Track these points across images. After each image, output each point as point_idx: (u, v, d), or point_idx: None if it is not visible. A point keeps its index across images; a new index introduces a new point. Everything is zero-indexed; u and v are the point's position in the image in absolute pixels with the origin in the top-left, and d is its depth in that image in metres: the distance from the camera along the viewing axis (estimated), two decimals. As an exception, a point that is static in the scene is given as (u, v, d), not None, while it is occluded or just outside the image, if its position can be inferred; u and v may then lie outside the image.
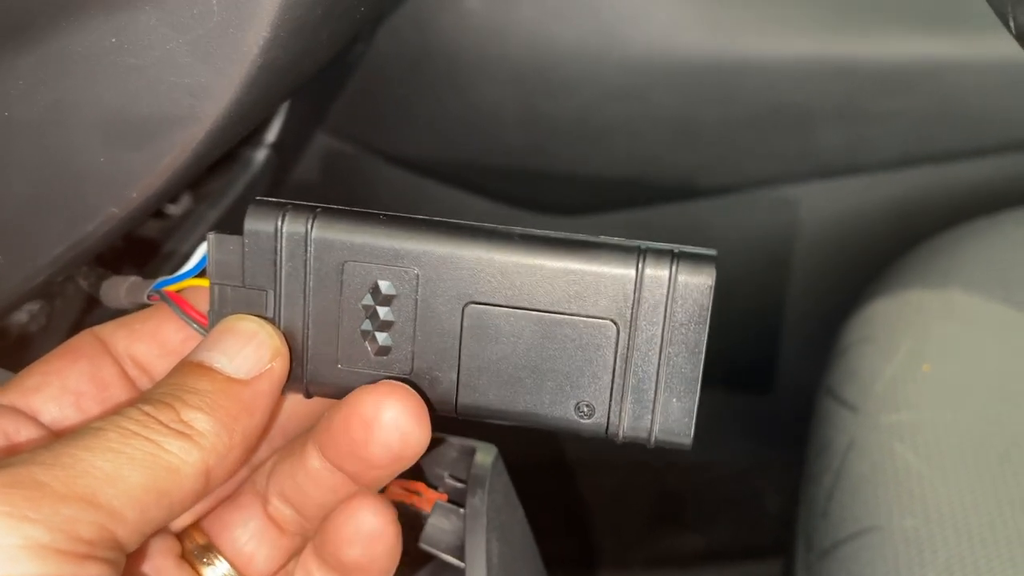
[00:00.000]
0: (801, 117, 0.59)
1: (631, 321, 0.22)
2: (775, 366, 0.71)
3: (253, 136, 0.49)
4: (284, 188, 0.59)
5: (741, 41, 0.57)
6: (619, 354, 0.23)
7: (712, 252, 0.23)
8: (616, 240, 0.23)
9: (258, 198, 0.23)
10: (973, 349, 0.52)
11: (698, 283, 0.22)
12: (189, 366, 0.23)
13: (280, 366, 0.23)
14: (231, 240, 0.23)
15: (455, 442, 0.31)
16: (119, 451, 0.20)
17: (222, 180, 0.47)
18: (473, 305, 0.23)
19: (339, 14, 0.24)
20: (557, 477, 0.78)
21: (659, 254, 0.22)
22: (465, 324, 0.23)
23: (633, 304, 0.22)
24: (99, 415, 0.23)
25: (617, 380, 0.23)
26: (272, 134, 0.50)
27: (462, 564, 0.28)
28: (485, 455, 0.30)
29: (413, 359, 0.23)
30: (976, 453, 0.46)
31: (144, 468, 0.20)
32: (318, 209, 0.23)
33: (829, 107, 0.59)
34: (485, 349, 0.23)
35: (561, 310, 0.23)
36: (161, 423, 0.21)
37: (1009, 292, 0.54)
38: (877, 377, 0.52)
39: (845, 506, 0.47)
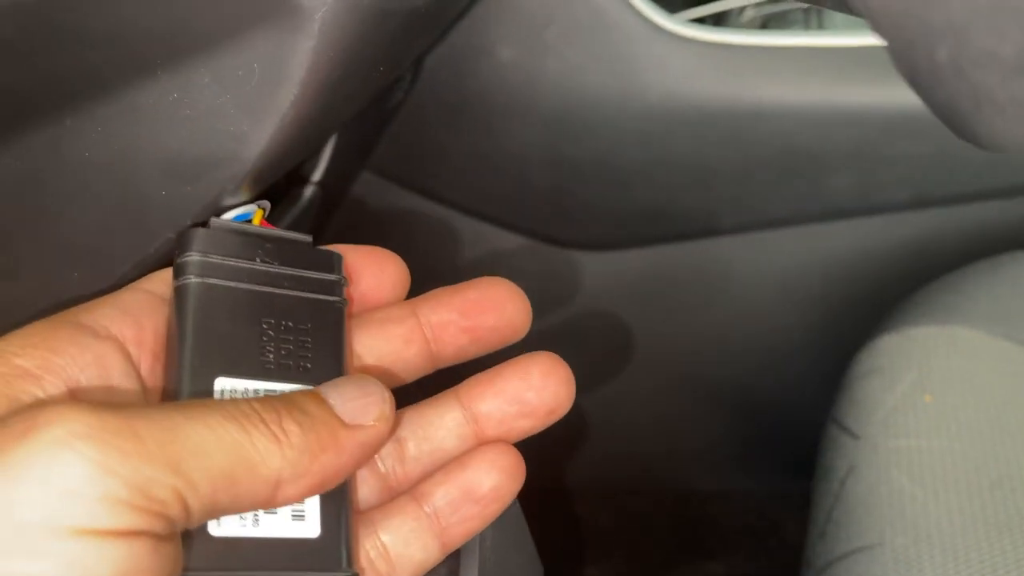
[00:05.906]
0: (813, 161, 0.62)
1: None
2: (792, 399, 0.73)
3: (300, 176, 0.54)
4: (330, 220, 0.64)
5: (753, 89, 0.60)
6: None
7: None
8: None
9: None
10: (973, 382, 0.54)
11: None
12: (307, 392, 0.24)
13: (383, 427, 0.25)
14: None
15: None
16: (215, 429, 0.21)
17: (275, 214, 0.53)
18: None
19: (356, 74, 0.29)
20: (580, 502, 0.81)
21: None
22: None
23: None
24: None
25: None
26: (318, 173, 0.55)
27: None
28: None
29: None
30: (968, 479, 0.49)
31: (228, 453, 0.21)
32: None
33: (840, 151, 0.62)
34: None
35: None
36: (262, 421, 0.22)
37: (1009, 329, 0.57)
38: (880, 406, 0.54)
39: (841, 526, 0.50)
